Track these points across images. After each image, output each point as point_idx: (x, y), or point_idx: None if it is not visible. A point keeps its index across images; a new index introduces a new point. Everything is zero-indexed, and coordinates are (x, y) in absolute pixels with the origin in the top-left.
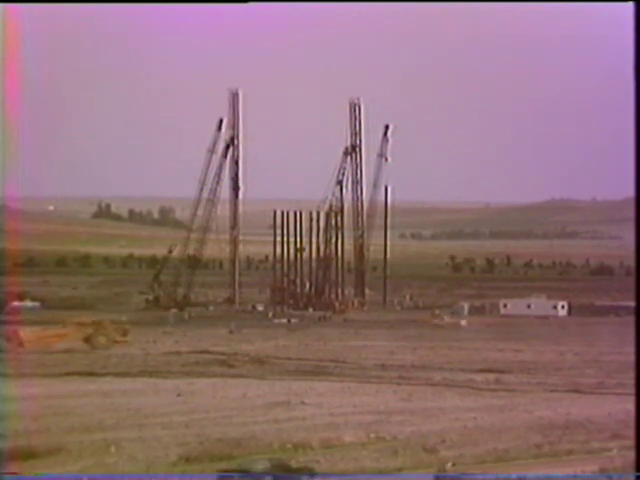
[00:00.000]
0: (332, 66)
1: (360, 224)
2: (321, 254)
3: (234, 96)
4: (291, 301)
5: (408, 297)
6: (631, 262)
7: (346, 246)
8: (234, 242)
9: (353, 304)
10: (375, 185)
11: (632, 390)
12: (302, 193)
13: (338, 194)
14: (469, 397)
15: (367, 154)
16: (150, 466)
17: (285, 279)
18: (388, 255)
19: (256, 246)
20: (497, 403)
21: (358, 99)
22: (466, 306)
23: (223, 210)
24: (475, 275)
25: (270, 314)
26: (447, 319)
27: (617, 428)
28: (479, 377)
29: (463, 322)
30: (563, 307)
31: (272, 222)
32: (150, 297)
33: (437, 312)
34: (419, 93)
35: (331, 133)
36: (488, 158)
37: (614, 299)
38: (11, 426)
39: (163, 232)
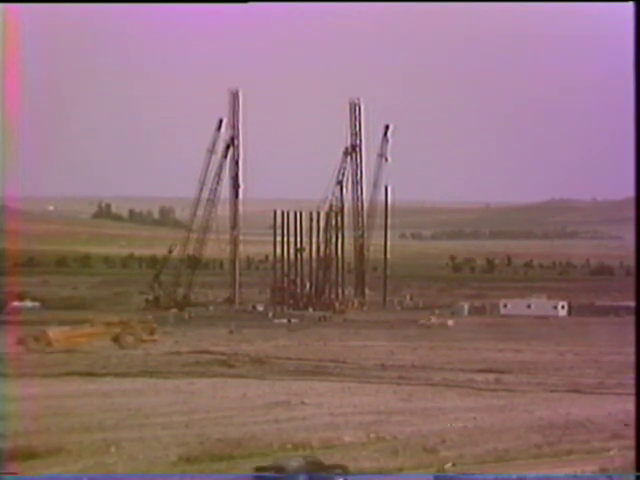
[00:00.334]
0: (332, 66)
1: (360, 224)
2: (321, 254)
3: (234, 96)
4: (291, 301)
5: (408, 297)
6: (631, 262)
7: (346, 246)
8: (234, 242)
9: (353, 304)
10: (375, 185)
11: (632, 390)
12: (302, 193)
13: (338, 194)
14: (469, 397)
15: (367, 154)
16: (150, 466)
17: (285, 279)
18: (388, 255)
19: (256, 246)
20: (497, 403)
21: (358, 99)
22: (466, 306)
23: (223, 210)
24: (475, 275)
25: (270, 314)
26: (434, 319)
27: (617, 428)
28: (478, 377)
29: (450, 322)
30: (563, 307)
31: (272, 222)
32: (150, 297)
33: (437, 312)
34: (419, 93)
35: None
36: (488, 158)
37: (614, 299)
38: (11, 426)
39: (163, 232)
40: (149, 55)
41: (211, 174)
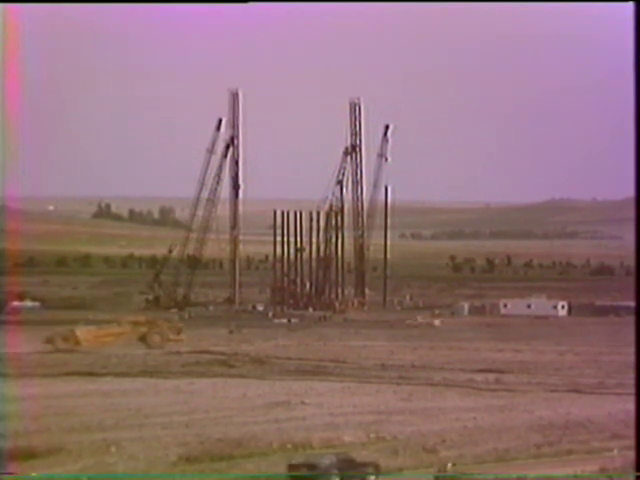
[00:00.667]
0: (332, 66)
1: (360, 224)
2: (321, 254)
3: (234, 96)
4: (291, 301)
5: (408, 297)
6: (631, 262)
7: (346, 246)
8: (234, 242)
9: (353, 304)
10: (375, 185)
11: (632, 390)
12: (302, 193)
13: (338, 194)
14: (469, 397)
15: (367, 154)
16: (150, 466)
17: (285, 279)
18: (388, 255)
19: (256, 246)
20: (497, 403)
21: (358, 99)
22: (466, 306)
23: (223, 210)
24: (475, 275)
25: (270, 314)
26: (420, 319)
27: (617, 428)
28: (477, 377)
29: (437, 322)
30: (563, 307)
31: (272, 222)
32: (150, 297)
33: (437, 312)
34: (419, 93)
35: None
36: (488, 158)
37: (614, 299)
38: (11, 426)
39: (163, 232)
40: (149, 55)
41: (211, 174)
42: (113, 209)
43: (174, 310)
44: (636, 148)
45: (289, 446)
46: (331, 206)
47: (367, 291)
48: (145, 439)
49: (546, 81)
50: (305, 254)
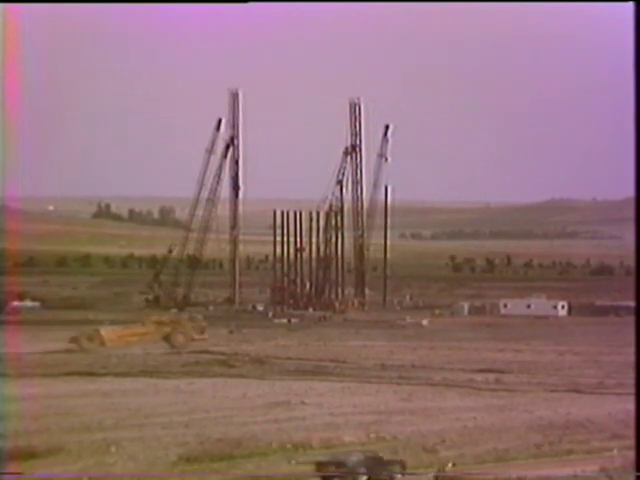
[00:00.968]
0: (332, 66)
1: (360, 224)
2: (321, 254)
3: (234, 96)
4: (291, 301)
5: (408, 297)
6: (631, 262)
7: (346, 246)
8: (234, 242)
9: (353, 304)
10: (375, 185)
11: (632, 390)
12: (302, 193)
13: (338, 194)
14: (469, 397)
15: (367, 154)
16: (150, 466)
17: (285, 279)
18: (388, 255)
19: (256, 246)
20: (497, 403)
21: (358, 99)
22: (466, 306)
23: (223, 210)
24: (475, 275)
25: (270, 314)
26: (409, 319)
27: (617, 428)
28: (477, 377)
29: (425, 322)
30: (563, 307)
31: (272, 222)
32: (150, 297)
33: (437, 312)
34: (419, 93)
35: (331, 133)
36: (488, 158)
37: (614, 299)
38: (11, 426)
39: (163, 232)
40: (149, 55)
41: (210, 174)
42: (113, 209)
43: (174, 310)
44: (636, 148)
45: (289, 446)
46: (331, 206)
47: (367, 291)
48: (145, 439)
49: (546, 81)
50: (305, 254)
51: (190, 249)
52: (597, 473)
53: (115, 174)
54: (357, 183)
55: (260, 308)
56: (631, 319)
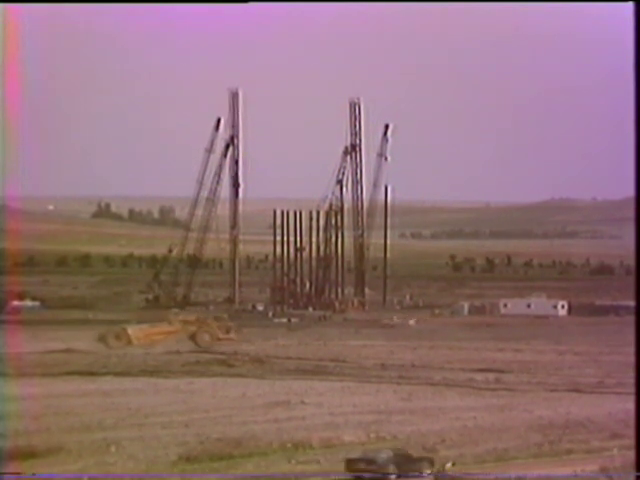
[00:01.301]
0: (332, 66)
1: (360, 224)
2: (321, 254)
3: (234, 96)
4: (291, 301)
5: (408, 297)
6: (631, 261)
7: (346, 246)
8: (234, 242)
9: (353, 304)
10: (375, 185)
11: (632, 390)
12: (302, 193)
13: (338, 194)
14: (469, 397)
15: (367, 154)
16: (150, 466)
17: (285, 279)
18: (388, 255)
19: (256, 246)
20: (497, 403)
21: (358, 99)
22: (466, 306)
23: (223, 210)
24: (475, 275)
25: (270, 314)
26: (396, 319)
27: (617, 428)
28: (478, 376)
29: (411, 322)
30: (563, 307)
31: (272, 222)
32: (150, 297)
33: (437, 312)
34: (419, 93)
35: (331, 133)
36: (488, 158)
37: (614, 299)
38: (11, 426)
39: (163, 232)
40: (149, 55)
41: (210, 174)
42: (113, 209)
43: (174, 310)
44: (636, 148)
45: (289, 446)
46: (331, 206)
47: (367, 291)
48: (145, 439)
49: (546, 81)
50: (305, 254)
51: (190, 249)
52: (597, 473)
53: (115, 174)
54: (357, 183)
55: (260, 308)
56: (631, 319)
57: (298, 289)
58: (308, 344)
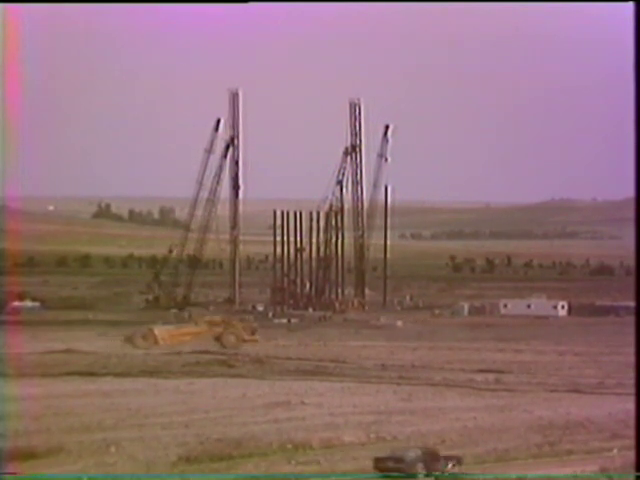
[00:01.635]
0: (332, 66)
1: (360, 224)
2: (321, 254)
3: (234, 96)
4: (291, 301)
5: (408, 297)
6: (631, 262)
7: (346, 246)
8: (234, 242)
9: (353, 304)
10: (375, 185)
11: (632, 390)
12: (302, 193)
13: (338, 194)
14: (469, 397)
15: (367, 154)
16: (150, 466)
17: (285, 279)
18: (388, 255)
19: (256, 246)
20: (497, 403)
21: (358, 99)
22: (466, 306)
23: (223, 210)
24: (475, 275)
25: (270, 314)
26: (383, 320)
27: (617, 428)
28: (477, 377)
29: (399, 323)
30: (563, 307)
31: (272, 222)
32: (150, 297)
33: (437, 312)
34: (419, 93)
35: (331, 133)
36: (488, 158)
37: (614, 299)
38: (11, 426)
39: (163, 232)
40: (149, 55)
41: (210, 174)
42: (113, 209)
43: (174, 310)
44: (636, 148)
45: (289, 446)
46: (331, 206)
47: (367, 291)
48: (145, 439)
49: (546, 81)
50: (305, 254)
51: (190, 249)
52: (597, 473)
53: (115, 174)
54: (357, 183)
55: (260, 308)
56: (631, 319)
57: (298, 290)
58: (308, 345)
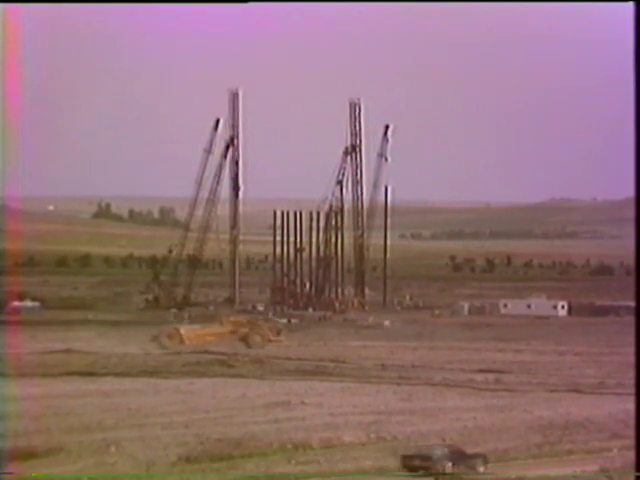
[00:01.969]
0: (332, 66)
1: (360, 224)
2: (321, 254)
3: (234, 96)
4: (291, 301)
5: (408, 297)
6: (631, 262)
7: (346, 246)
8: (234, 242)
9: (353, 304)
10: (375, 185)
11: (632, 390)
12: (302, 193)
13: (338, 194)
14: (469, 397)
15: (367, 154)
16: (150, 466)
17: (285, 279)
18: (388, 255)
19: (256, 246)
20: (497, 403)
21: (358, 99)
22: (466, 306)
23: (223, 210)
24: (475, 275)
25: (270, 314)
26: (370, 320)
27: (617, 428)
28: (477, 377)
29: (387, 322)
30: (563, 307)
31: (272, 222)
32: (150, 297)
33: (437, 312)
34: (419, 93)
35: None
36: (488, 158)
37: (614, 299)
38: (11, 426)
39: (163, 232)
40: (149, 55)
41: (210, 174)
42: (113, 209)
43: (174, 310)
44: (636, 148)
45: (289, 446)
46: (331, 206)
47: (367, 291)
48: (145, 439)
49: (546, 81)
50: (305, 254)
51: (190, 249)
52: (597, 473)
53: (115, 174)
54: (357, 183)
55: (260, 308)
56: (631, 319)
57: (298, 289)
58: (308, 344)
